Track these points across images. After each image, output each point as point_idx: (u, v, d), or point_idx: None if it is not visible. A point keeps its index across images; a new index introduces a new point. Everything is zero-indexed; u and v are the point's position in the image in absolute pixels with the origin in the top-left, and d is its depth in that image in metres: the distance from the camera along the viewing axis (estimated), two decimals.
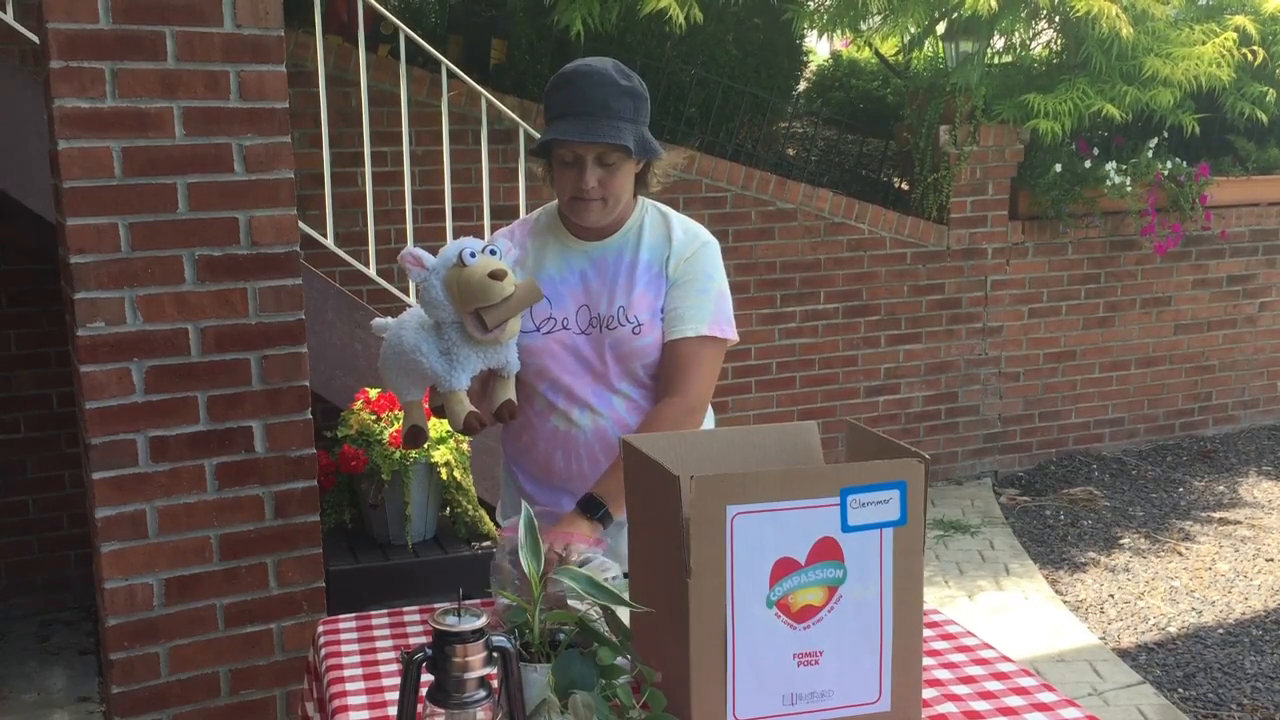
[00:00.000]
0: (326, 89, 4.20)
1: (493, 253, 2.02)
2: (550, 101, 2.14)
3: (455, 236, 4.48)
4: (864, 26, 6.09)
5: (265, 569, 2.99)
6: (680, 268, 2.21)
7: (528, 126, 4.51)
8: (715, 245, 2.29)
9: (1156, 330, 6.52)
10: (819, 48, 8.31)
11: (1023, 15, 5.96)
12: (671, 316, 2.21)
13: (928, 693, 1.76)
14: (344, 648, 1.99)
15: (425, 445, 3.55)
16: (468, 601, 1.47)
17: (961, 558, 5.11)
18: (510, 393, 2.15)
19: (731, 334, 2.25)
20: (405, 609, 2.17)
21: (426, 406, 2.25)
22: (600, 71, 2.10)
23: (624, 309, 2.20)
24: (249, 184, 2.83)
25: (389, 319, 2.21)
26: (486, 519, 3.70)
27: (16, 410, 4.51)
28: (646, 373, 2.24)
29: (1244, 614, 4.47)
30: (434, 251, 2.07)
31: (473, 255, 2.00)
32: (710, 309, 2.21)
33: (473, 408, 2.07)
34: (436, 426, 3.59)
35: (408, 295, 4.34)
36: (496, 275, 1.98)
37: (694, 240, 2.25)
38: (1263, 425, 6.94)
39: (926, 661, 1.84)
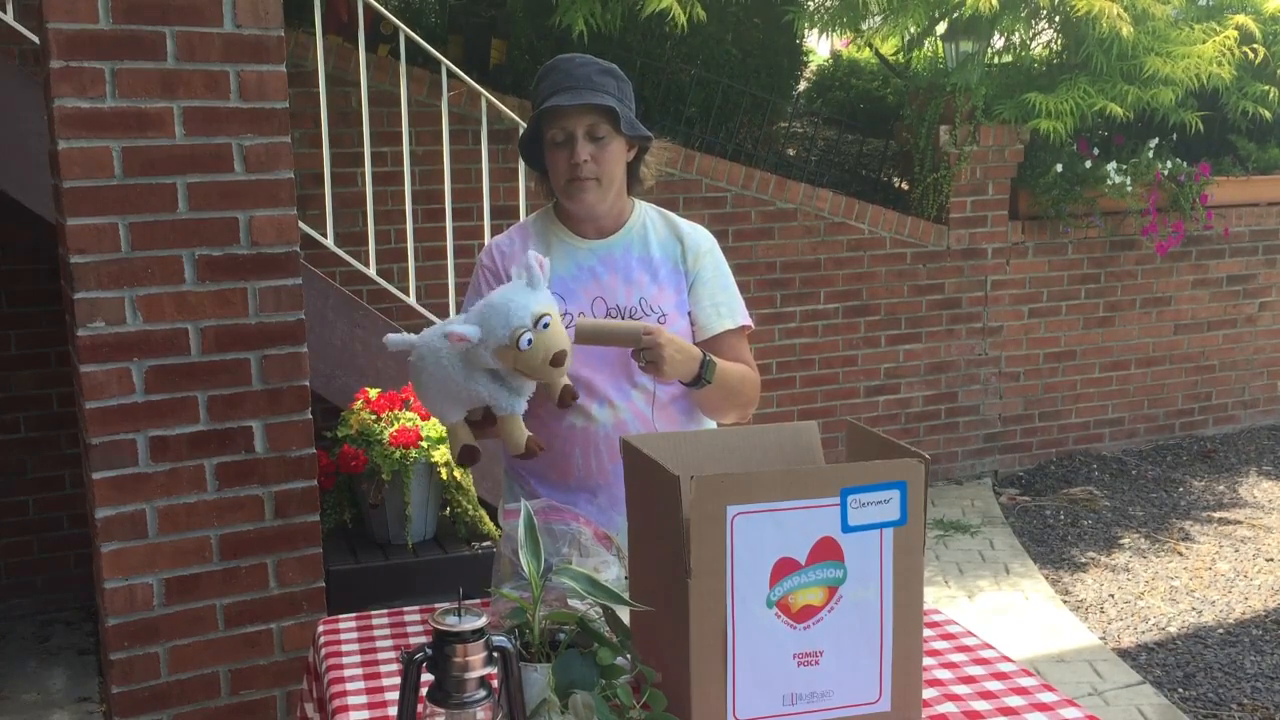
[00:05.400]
0: (326, 89, 4.20)
1: (545, 325, 1.93)
2: (537, 91, 2.21)
3: (455, 237, 4.50)
4: (864, 27, 6.09)
5: (265, 569, 2.99)
6: (701, 261, 2.31)
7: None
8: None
9: (1156, 330, 6.52)
10: (819, 48, 8.31)
11: (1023, 15, 5.96)
12: (710, 310, 2.30)
13: (928, 693, 1.76)
14: (344, 648, 1.99)
15: (423, 445, 3.59)
16: (468, 601, 1.47)
17: (961, 558, 5.11)
18: (565, 378, 2.13)
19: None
20: (405, 609, 2.17)
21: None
22: (581, 56, 2.25)
23: (645, 300, 2.25)
24: (249, 184, 2.83)
25: (409, 335, 2.13)
26: (486, 519, 3.71)
27: (16, 410, 4.51)
28: None
29: (1244, 614, 4.47)
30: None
31: (529, 342, 1.91)
32: (739, 301, 2.35)
33: (530, 432, 2.08)
34: (437, 426, 3.60)
35: (408, 295, 4.35)
36: (557, 362, 1.93)
37: (704, 236, 2.36)
38: (1263, 425, 6.94)
39: (927, 661, 1.84)
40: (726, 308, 2.30)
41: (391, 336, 2.16)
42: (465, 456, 2.17)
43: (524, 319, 1.92)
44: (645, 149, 2.29)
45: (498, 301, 1.97)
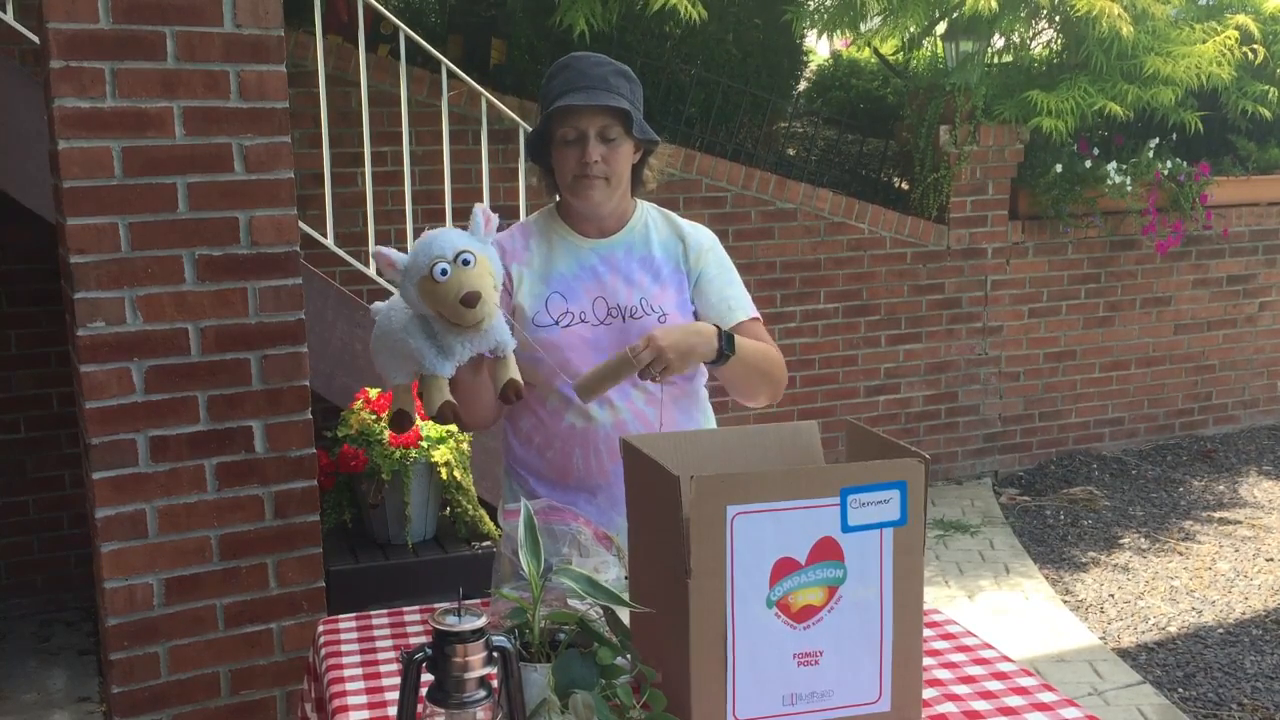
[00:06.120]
0: (326, 89, 4.20)
1: (465, 262, 1.92)
2: (549, 88, 2.19)
3: None
4: (864, 27, 6.09)
5: (265, 569, 2.99)
6: (704, 259, 2.31)
7: (528, 126, 4.51)
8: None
9: (1156, 330, 6.52)
10: (819, 48, 8.31)
11: (1023, 15, 5.96)
12: (721, 307, 2.29)
13: (928, 693, 1.76)
14: (344, 648, 1.99)
15: (423, 445, 3.59)
16: (468, 601, 1.47)
17: (961, 558, 5.11)
18: (512, 372, 2.08)
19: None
20: (405, 609, 2.16)
21: (416, 398, 2.22)
22: (595, 55, 2.23)
23: (646, 300, 2.25)
24: (249, 184, 2.83)
25: (383, 303, 2.16)
26: (486, 519, 3.71)
27: (16, 410, 4.51)
28: None
29: (1244, 614, 4.47)
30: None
31: (444, 273, 1.90)
32: (747, 296, 2.35)
33: (450, 398, 2.03)
34: (437, 425, 3.60)
35: None
36: (468, 301, 1.89)
37: (706, 235, 2.36)
38: (1263, 425, 6.94)
39: (927, 661, 1.84)
40: (736, 301, 2.31)
41: (376, 304, 2.16)
42: (396, 422, 2.14)
43: (444, 251, 1.91)
44: (650, 151, 2.30)
45: (427, 236, 1.98)
